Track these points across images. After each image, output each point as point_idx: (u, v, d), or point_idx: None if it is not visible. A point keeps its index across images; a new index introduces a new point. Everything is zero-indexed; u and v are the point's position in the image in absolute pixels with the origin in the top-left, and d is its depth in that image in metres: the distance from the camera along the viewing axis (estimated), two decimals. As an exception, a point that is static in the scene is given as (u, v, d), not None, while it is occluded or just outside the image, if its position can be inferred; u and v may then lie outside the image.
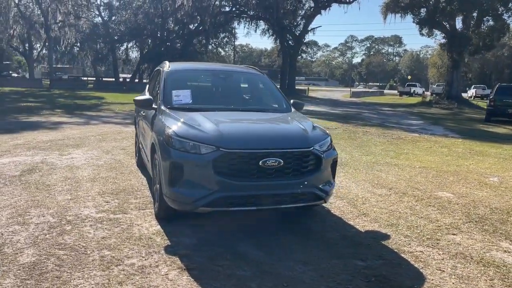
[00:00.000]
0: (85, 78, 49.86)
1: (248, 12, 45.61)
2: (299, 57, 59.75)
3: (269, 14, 41.08)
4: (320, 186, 4.43)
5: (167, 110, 4.95)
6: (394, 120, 19.65)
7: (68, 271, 3.40)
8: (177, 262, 3.66)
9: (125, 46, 49.69)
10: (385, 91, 71.81)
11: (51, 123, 13.25)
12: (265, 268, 3.63)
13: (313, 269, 3.65)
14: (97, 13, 47.10)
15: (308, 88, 49.51)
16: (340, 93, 55.84)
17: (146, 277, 3.35)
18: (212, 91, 5.81)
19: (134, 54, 52.40)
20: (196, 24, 46.73)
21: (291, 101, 5.87)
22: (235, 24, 49.85)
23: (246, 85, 6.08)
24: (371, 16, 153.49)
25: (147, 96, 5.37)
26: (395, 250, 4.16)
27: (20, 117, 14.78)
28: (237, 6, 45.44)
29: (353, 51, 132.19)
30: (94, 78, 50.57)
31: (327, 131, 4.88)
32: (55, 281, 3.23)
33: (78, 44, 50.78)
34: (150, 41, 48.04)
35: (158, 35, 46.58)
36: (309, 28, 43.42)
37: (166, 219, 4.60)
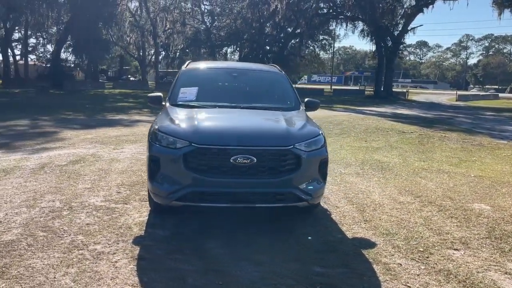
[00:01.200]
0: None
1: (345, 13, 44.67)
2: (402, 58, 56.78)
3: (366, 15, 39.84)
4: (301, 186, 4.24)
5: (170, 107, 5.13)
6: (488, 125, 17.81)
7: (34, 251, 3.71)
8: (135, 252, 3.78)
9: (224, 51, 51.78)
10: (502, 94, 65.22)
11: (130, 121, 14.37)
12: (214, 265, 3.60)
13: (262, 270, 3.52)
14: (201, 19, 49.72)
15: (407, 91, 46.93)
16: (446, 96, 52.02)
17: (95, 263, 3.53)
18: (222, 88, 5.85)
19: (232, 57, 54.33)
20: (292, 28, 47.01)
21: (305, 99, 5.70)
22: (333, 25, 49.16)
23: (259, 83, 6.03)
24: (488, 13, 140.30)
25: (157, 93, 5.61)
26: (370, 260, 3.83)
27: (108, 115, 16.24)
28: (334, 8, 44.76)
29: (468, 51, 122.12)
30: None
31: (319, 131, 4.64)
32: (16, 258, 3.54)
33: (187, 50, 54.25)
34: (247, 45, 49.50)
35: (256, 38, 47.75)
36: (408, 28, 41.16)
37: (157, 211, 4.75)
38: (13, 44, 47.36)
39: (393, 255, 3.96)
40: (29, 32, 45.36)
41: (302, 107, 5.50)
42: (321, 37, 55.82)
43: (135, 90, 37.39)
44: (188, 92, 5.42)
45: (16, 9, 35.70)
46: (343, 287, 3.32)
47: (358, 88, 64.56)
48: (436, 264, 3.82)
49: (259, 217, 4.86)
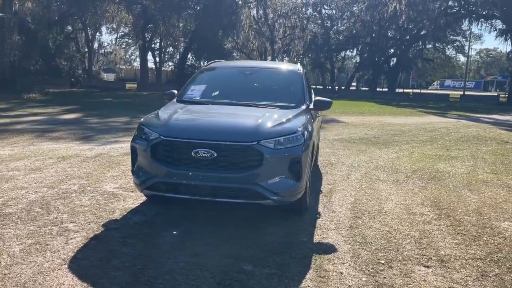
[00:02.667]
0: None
1: (479, 11, 40.66)
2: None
3: (502, 12, 35.71)
4: (264, 184, 4.17)
5: (173, 102, 5.44)
6: None
7: (18, 222, 4.28)
8: (96, 232, 4.12)
9: (342, 55, 51.02)
10: None
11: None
12: (151, 251, 3.75)
13: (190, 261, 3.57)
14: (320, 24, 49.74)
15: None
16: None
17: (53, 238, 3.94)
18: (230, 86, 5.95)
19: (349, 62, 53.27)
20: (416, 30, 44.32)
21: (316, 98, 5.54)
22: (465, 25, 45.07)
23: (268, 81, 6.02)
24: None
25: (173, 90, 5.93)
26: (311, 266, 3.61)
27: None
28: (466, 6, 41.03)
29: None
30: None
31: (297, 129, 4.48)
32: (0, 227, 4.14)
33: (309, 55, 54.83)
34: (367, 48, 48.07)
35: (375, 42, 46.13)
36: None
37: (151, 201, 5.07)
38: (156, 53, 52.77)
39: (343, 264, 3.67)
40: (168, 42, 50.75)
41: (306, 106, 5.33)
42: (453, 38, 51.53)
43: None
44: (196, 90, 5.66)
45: (152, 21, 39.91)
46: (252, 286, 3.21)
47: (495, 94, 58.03)
48: (384, 278, 3.45)
49: (243, 212, 4.85)
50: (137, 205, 5.00)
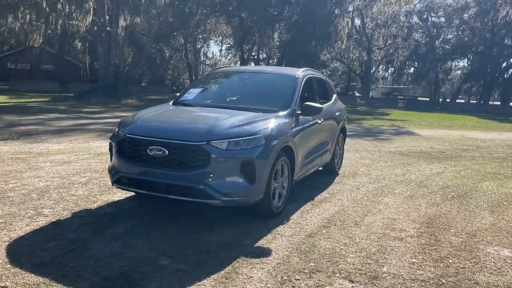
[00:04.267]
0: (401, 97, 50.54)
1: None
2: None
3: None
4: (212, 184, 4.23)
5: (166, 104, 5.75)
6: None
7: (8, 204, 4.86)
8: (61, 218, 4.52)
9: (449, 64, 47.61)
10: None
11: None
12: (94, 241, 4.02)
13: (115, 252, 3.76)
14: (423, 32, 47.11)
15: None
16: None
17: (20, 219, 4.40)
18: (223, 90, 6.06)
19: (455, 73, 49.45)
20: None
21: (305, 104, 5.44)
22: None
23: (261, 85, 6.00)
24: None
25: (178, 93, 6.21)
26: (224, 268, 3.59)
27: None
28: None
29: None
30: (403, 97, 50.77)
31: (258, 131, 4.46)
32: (-11, 207, 4.78)
33: (415, 64, 52.30)
34: (477, 58, 44.28)
35: (486, 52, 42.30)
36: None
37: (137, 194, 5.40)
38: (252, 64, 54.61)
39: (262, 269, 3.58)
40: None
41: (290, 110, 5.25)
42: None
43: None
44: (192, 93, 5.90)
45: (249, 33, 41.44)
46: (151, 277, 3.30)
47: None
48: (291, 287, 3.30)
49: (216, 212, 4.91)
50: (122, 198, 5.34)
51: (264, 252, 3.92)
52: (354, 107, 36.78)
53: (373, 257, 3.92)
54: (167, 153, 4.29)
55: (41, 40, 35.90)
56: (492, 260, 4.02)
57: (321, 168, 7.15)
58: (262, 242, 4.16)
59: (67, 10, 28.85)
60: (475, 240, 4.52)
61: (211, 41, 56.65)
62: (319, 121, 6.07)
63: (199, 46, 55.65)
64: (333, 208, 5.39)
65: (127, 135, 4.54)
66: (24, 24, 31.60)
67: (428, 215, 5.30)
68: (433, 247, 4.24)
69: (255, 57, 49.90)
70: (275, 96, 5.61)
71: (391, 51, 52.34)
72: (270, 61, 46.60)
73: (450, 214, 5.43)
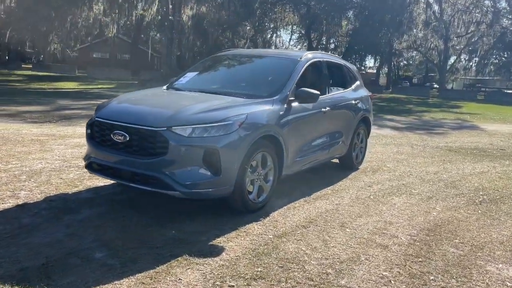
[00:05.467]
0: (483, 89, 46.56)
1: None
2: None
3: None
4: (171, 173, 3.92)
5: (156, 88, 5.54)
6: None
7: (-8, 185, 4.93)
8: (30, 202, 4.43)
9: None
10: None
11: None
12: (43, 227, 3.87)
13: (56, 239, 3.59)
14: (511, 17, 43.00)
15: None
16: None
17: (-6, 200, 4.43)
18: (218, 75, 5.67)
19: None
20: None
21: (300, 89, 4.93)
22: None
23: (257, 70, 5.55)
24: None
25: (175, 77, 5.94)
26: (157, 267, 3.26)
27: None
28: None
29: None
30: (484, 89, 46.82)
31: (228, 117, 4.06)
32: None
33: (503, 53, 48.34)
34: None
35: None
36: None
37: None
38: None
39: (199, 270, 3.21)
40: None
41: (281, 96, 4.78)
42: None
43: (409, 96, 36.09)
44: (187, 77, 5.61)
45: (316, 21, 40.41)
46: (73, 269, 3.06)
47: None
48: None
49: (194, 205, 4.61)
50: (107, 184, 5.19)
51: (214, 252, 3.53)
52: (425, 99, 34.63)
53: (337, 267, 3.37)
54: (128, 139, 4.03)
55: (115, 31, 37.67)
56: (487, 280, 3.30)
57: (337, 161, 6.56)
58: (219, 240, 3.76)
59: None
60: (478, 254, 3.77)
61: (281, 30, 56.17)
62: (325, 110, 5.49)
63: (269, 37, 55.41)
64: (326, 206, 4.84)
65: (95, 118, 4.35)
66: (98, 14, 33.25)
67: (437, 221, 4.57)
68: (419, 259, 3.59)
69: (324, 46, 48.67)
70: (267, 81, 5.14)
71: (474, 39, 48.49)
72: (338, 50, 45.19)
73: (466, 221, 4.65)
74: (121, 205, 4.51)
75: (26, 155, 6.33)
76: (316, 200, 5.03)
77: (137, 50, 46.91)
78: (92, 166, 4.44)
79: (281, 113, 4.67)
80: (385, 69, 58.34)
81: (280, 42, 59.13)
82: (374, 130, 11.67)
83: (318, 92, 4.92)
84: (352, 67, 7.04)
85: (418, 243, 3.93)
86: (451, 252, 3.78)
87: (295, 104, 4.90)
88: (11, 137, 7.58)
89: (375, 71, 58.07)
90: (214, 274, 3.15)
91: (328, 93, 5.85)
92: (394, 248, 3.80)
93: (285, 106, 4.76)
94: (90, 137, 4.43)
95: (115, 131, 4.10)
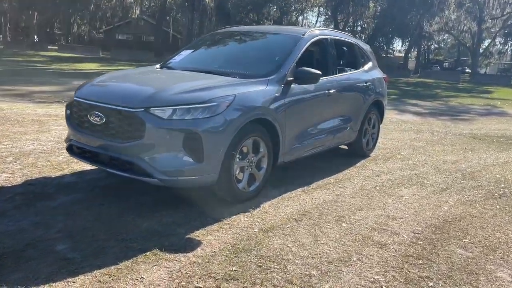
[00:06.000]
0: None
1: None
2: None
3: None
4: (148, 159, 3.59)
5: (147, 66, 5.21)
6: None
7: (-25, 166, 4.73)
8: (6, 186, 4.22)
9: None
10: None
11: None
12: (10, 213, 3.65)
13: (24, 225, 3.33)
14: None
15: None
16: None
17: (-29, 183, 4.21)
18: (214, 52, 5.27)
19: None
20: None
21: (299, 68, 4.50)
22: None
23: (254, 48, 5.15)
24: None
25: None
26: (120, 262, 2.96)
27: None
28: None
29: None
30: None
31: (213, 98, 3.69)
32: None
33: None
34: None
35: None
36: None
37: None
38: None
39: (166, 268, 2.89)
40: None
41: (278, 76, 4.37)
42: None
43: (438, 81, 34.72)
44: (182, 54, 5.25)
45: (343, 2, 39.27)
46: (30, 262, 2.79)
47: None
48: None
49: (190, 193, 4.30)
50: (94, 168, 4.92)
51: (189, 247, 3.20)
52: (455, 83, 33.31)
53: (324, 267, 2.99)
54: (104, 120, 3.71)
55: (138, 12, 37.54)
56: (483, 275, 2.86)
57: (345, 147, 6.12)
58: (198, 233, 3.43)
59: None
60: (490, 257, 3.32)
61: (307, 12, 54.99)
62: (330, 92, 5.04)
63: (294, 19, 54.33)
64: (324, 197, 4.44)
65: (74, 98, 4.05)
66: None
67: (446, 217, 4.11)
68: (419, 262, 3.17)
69: (351, 28, 47.36)
70: (264, 60, 4.72)
71: (510, 21, 46.34)
72: (366, 33, 43.87)
73: (481, 217, 4.17)
74: (103, 192, 4.23)
75: (20, 136, 6.13)
76: (315, 190, 4.63)
77: (161, 32, 46.67)
78: (72, 149, 4.16)
79: (277, 94, 4.25)
80: (415, 53, 56.48)
81: (306, 24, 57.86)
82: (394, 115, 11.11)
83: (320, 72, 4.47)
84: (366, 46, 6.52)
85: (421, 242, 3.50)
86: (458, 253, 3.34)
87: (294, 85, 4.47)
88: (12, 117, 7.42)
89: (403, 54, 56.30)
90: (182, 272, 2.82)
91: (336, 73, 5.38)
92: (393, 247, 3.38)
93: (283, 87, 4.34)
94: (69, 118, 4.13)
95: (92, 112, 3.79)
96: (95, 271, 2.77)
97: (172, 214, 3.75)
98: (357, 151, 6.14)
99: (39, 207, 3.72)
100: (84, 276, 2.71)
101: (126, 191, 4.22)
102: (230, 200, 4.01)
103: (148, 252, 3.05)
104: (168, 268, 2.87)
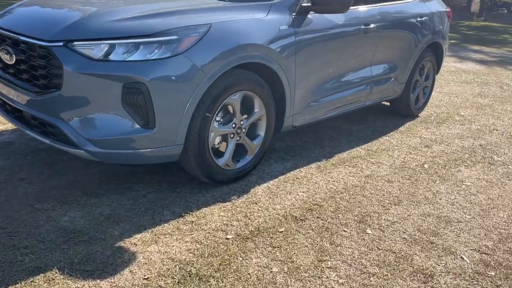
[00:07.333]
0: None
1: None
2: None
3: None
4: (72, 121, 2.37)
5: None
6: None
7: None
8: None
9: None
10: None
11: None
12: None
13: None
14: None
15: None
16: None
17: None
18: None
19: None
20: None
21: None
22: None
23: None
24: None
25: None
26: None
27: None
28: None
29: None
30: None
31: (176, 31, 2.37)
32: None
33: None
34: None
35: None
36: None
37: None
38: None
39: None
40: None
41: (291, 1, 2.93)
42: None
43: (506, 25, 31.00)
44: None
45: None
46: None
47: None
48: None
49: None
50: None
51: (112, 266, 2.02)
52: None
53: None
54: (14, 58, 2.49)
55: None
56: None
57: (386, 103, 4.68)
58: (137, 239, 2.24)
59: None
60: None
61: None
62: (368, 27, 3.56)
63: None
64: (347, 179, 3.11)
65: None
66: None
67: (491, 201, 2.69)
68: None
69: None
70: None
71: None
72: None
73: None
74: (42, 160, 3.09)
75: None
76: (335, 167, 3.29)
77: None
78: (-4, 99, 2.99)
79: (283, 27, 2.86)
80: (479, -6, 51.06)
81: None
82: (453, 64, 9.27)
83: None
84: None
85: (492, 273, 2.14)
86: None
87: (312, 14, 3.04)
88: None
89: (466, -5, 51.03)
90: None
91: (377, 1, 3.85)
92: (443, 280, 2.05)
93: (294, 16, 2.92)
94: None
95: (2, 47, 2.57)
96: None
97: (111, 203, 2.56)
98: (402, 110, 4.67)
99: None
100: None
101: (71, 162, 3.05)
102: (207, 181, 2.77)
103: (38, 276, 1.89)
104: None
